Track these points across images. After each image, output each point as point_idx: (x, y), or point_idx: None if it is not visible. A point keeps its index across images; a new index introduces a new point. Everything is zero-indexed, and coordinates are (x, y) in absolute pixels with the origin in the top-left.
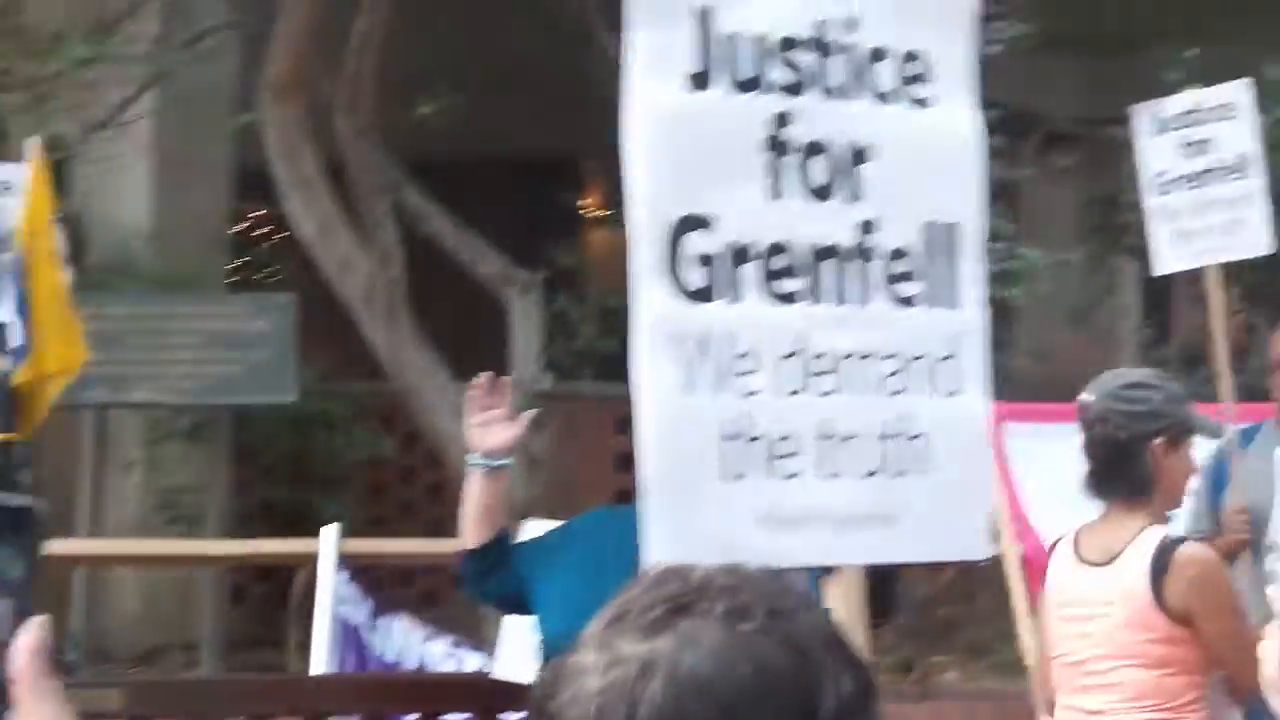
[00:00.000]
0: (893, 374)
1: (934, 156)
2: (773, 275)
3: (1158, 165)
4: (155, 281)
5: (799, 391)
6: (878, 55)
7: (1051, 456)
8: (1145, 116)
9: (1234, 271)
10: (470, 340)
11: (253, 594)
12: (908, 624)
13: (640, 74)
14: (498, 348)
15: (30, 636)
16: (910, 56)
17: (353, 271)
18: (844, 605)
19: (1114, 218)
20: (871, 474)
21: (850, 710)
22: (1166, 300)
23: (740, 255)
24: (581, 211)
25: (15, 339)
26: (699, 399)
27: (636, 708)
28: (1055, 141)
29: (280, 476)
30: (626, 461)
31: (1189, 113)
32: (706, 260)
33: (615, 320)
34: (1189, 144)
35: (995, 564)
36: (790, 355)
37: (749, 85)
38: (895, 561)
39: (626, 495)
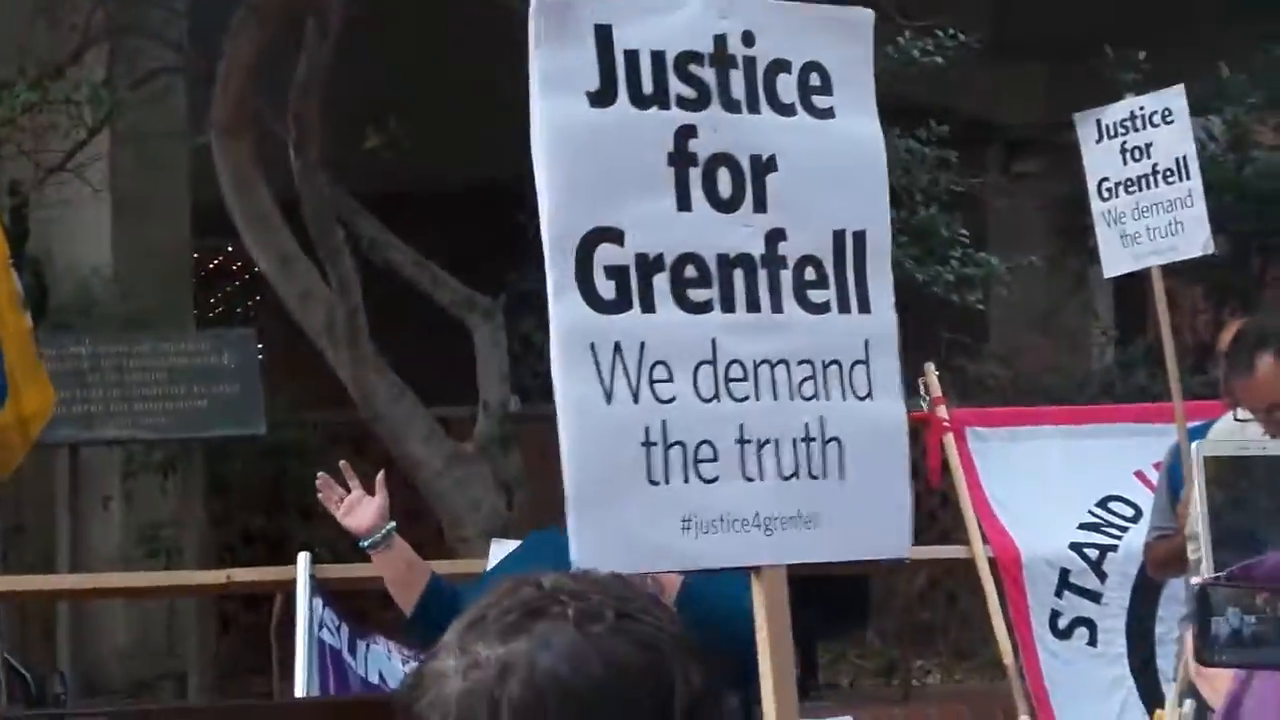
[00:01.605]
0: (806, 379)
1: (838, 166)
2: (684, 285)
3: (1101, 171)
4: (118, 320)
5: (715, 398)
6: (777, 68)
7: (1017, 458)
8: (1089, 124)
9: (1198, 270)
10: (435, 366)
11: (240, 623)
12: (890, 628)
13: (543, 92)
14: (463, 372)
15: None
16: (809, 68)
17: (313, 302)
18: (770, 609)
19: (1078, 221)
20: (790, 477)
21: (702, 703)
22: (1141, 300)
23: (651, 266)
24: (537, 234)
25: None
26: (617, 408)
27: (498, 708)
28: (1017, 149)
29: (256, 507)
30: None
31: (1129, 118)
32: (618, 272)
33: None
34: (1129, 149)
35: (965, 568)
36: (704, 363)
37: (650, 101)
38: (818, 561)
39: None
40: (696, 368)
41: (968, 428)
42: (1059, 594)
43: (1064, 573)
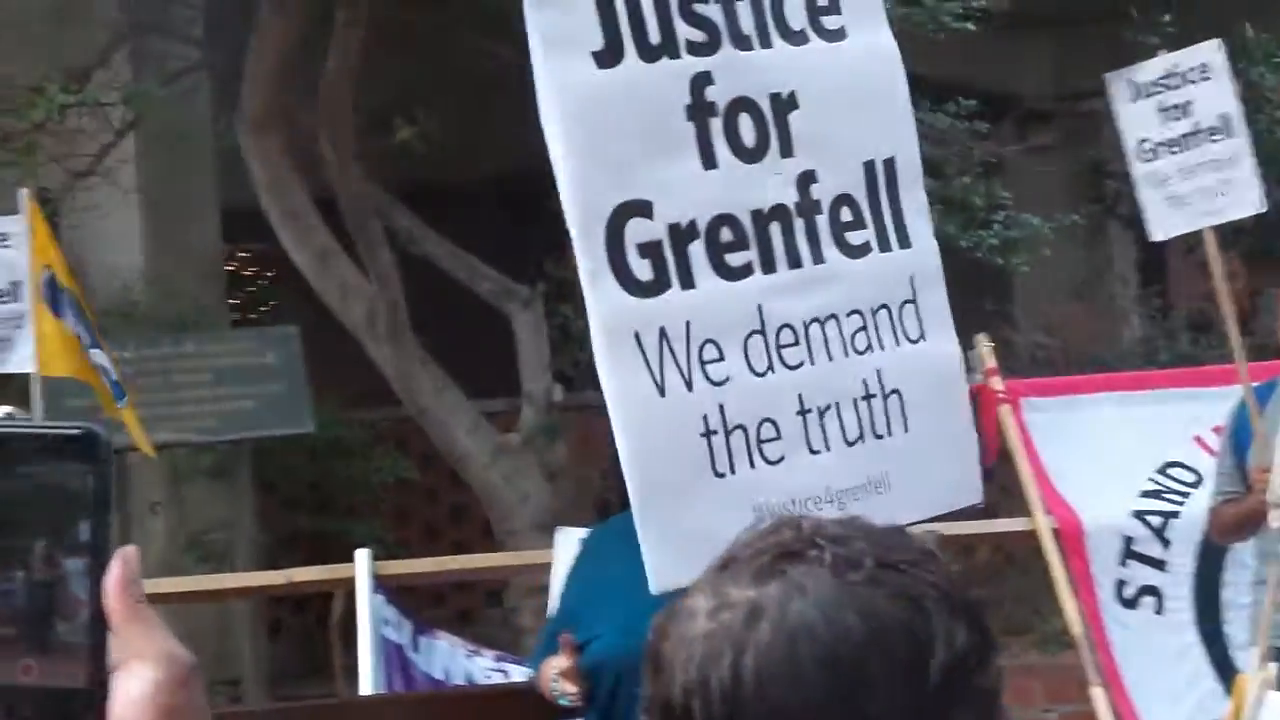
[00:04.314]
0: (858, 331)
1: (858, 91)
2: (721, 250)
3: (1139, 132)
4: (158, 324)
5: (770, 370)
6: None
7: (1075, 428)
8: (1121, 84)
9: (1228, 235)
10: (477, 357)
11: (290, 626)
12: None
13: (546, 56)
14: (505, 363)
15: (119, 568)
16: None
17: (353, 297)
18: None
19: (1103, 188)
20: (854, 442)
21: (965, 667)
22: (1163, 267)
23: (685, 236)
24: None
25: (111, 373)
26: (672, 400)
27: (743, 652)
28: (1032, 119)
29: (304, 507)
30: None
31: (1165, 77)
32: (651, 249)
33: None
34: (1168, 108)
35: (1023, 542)
36: (754, 333)
37: (659, 51)
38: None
39: None
40: (746, 340)
41: (1023, 398)
42: (1123, 563)
43: (1127, 541)
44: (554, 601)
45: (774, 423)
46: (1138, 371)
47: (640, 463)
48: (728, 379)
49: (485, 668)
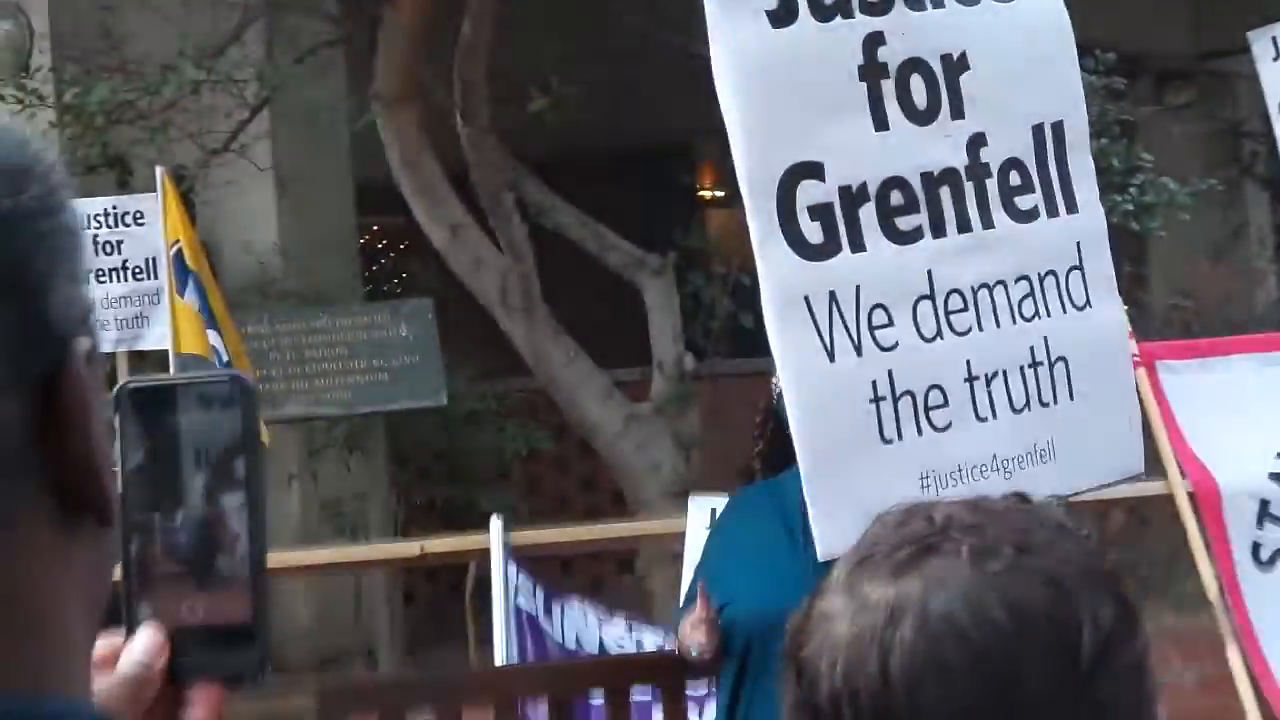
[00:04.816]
0: (1025, 297)
1: (1028, 52)
2: (891, 213)
3: None
4: (291, 298)
5: (938, 335)
6: None
7: (1210, 390)
8: (1264, 41)
9: None
10: (607, 328)
11: (422, 595)
12: None
13: (720, 17)
14: (636, 334)
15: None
16: None
17: (486, 270)
18: None
19: (1240, 149)
20: (1021, 409)
21: (1112, 642)
22: None
23: (856, 198)
24: (700, 192)
25: (223, 355)
26: (840, 366)
27: (889, 654)
28: (1168, 80)
29: (437, 478)
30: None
31: None
32: (822, 211)
33: (749, 295)
34: None
35: (1155, 504)
36: (923, 298)
37: (833, 10)
38: (1059, 494)
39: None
40: (915, 305)
41: (1158, 360)
42: (1260, 525)
43: (1263, 504)
44: (689, 568)
45: (942, 389)
46: (1274, 333)
47: (810, 430)
48: (896, 344)
49: (616, 636)
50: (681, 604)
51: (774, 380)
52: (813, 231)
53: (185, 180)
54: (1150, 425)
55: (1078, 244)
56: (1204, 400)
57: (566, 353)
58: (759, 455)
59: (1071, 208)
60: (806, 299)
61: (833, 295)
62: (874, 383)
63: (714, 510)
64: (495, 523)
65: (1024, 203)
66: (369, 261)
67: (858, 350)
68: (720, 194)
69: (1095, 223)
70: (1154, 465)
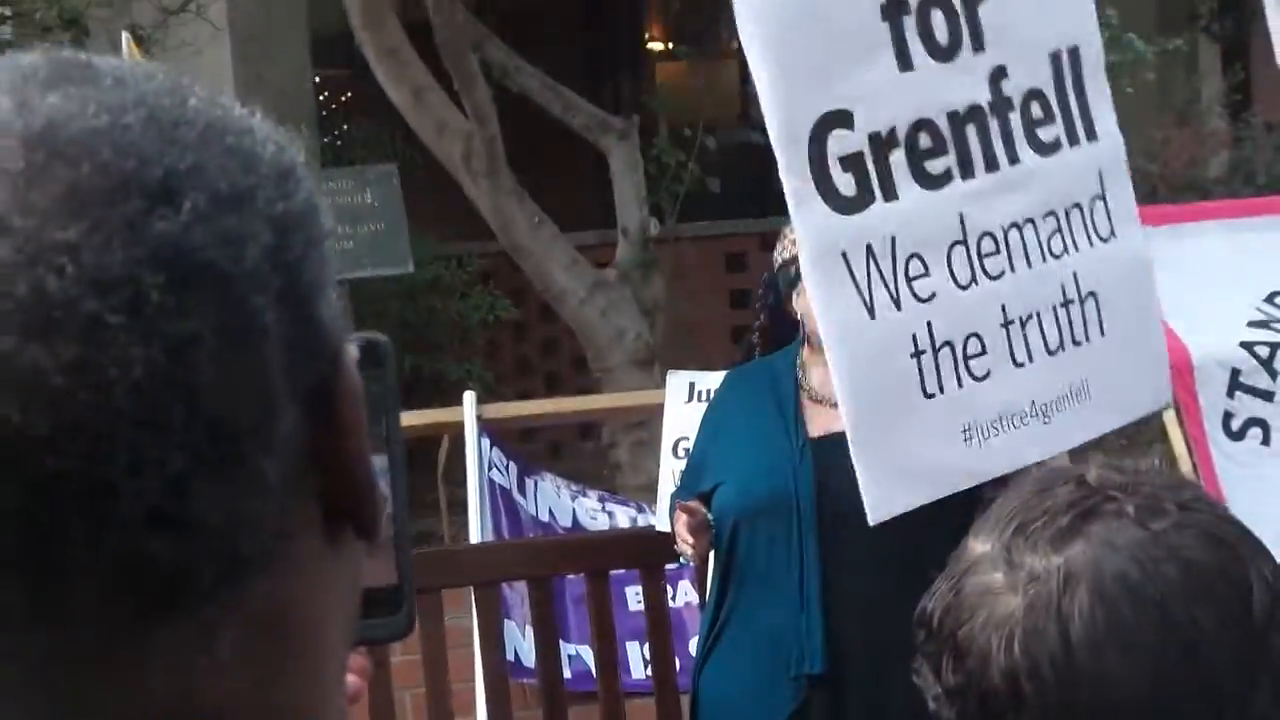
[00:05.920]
0: (1054, 234)
1: None
2: (920, 157)
3: None
4: None
5: (973, 281)
6: None
7: (1181, 257)
8: None
9: None
10: (570, 192)
11: None
12: None
13: None
14: (600, 197)
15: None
16: None
17: (449, 134)
18: None
19: (1196, 8)
20: (1056, 351)
21: (1277, 591)
22: (1246, 84)
23: (885, 145)
24: (649, 47)
25: None
26: (881, 322)
27: (1068, 623)
28: None
29: (403, 347)
30: (741, 298)
31: None
32: (853, 162)
33: (714, 160)
34: None
35: None
36: (957, 244)
37: None
38: (1094, 437)
39: (741, 332)
40: (950, 251)
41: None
42: (1230, 394)
43: (1234, 373)
44: (668, 444)
45: (979, 337)
46: (1247, 199)
47: (854, 390)
48: (934, 295)
49: (590, 508)
50: (678, 488)
51: (776, 250)
52: (845, 184)
53: (143, 43)
54: None
55: (1099, 173)
56: (1175, 269)
57: (531, 218)
58: (758, 330)
59: (1091, 135)
60: (844, 254)
61: (869, 249)
62: (914, 336)
63: (692, 384)
64: (468, 396)
65: (1046, 135)
66: (332, 125)
67: (896, 304)
68: (669, 48)
69: (1115, 149)
70: None
